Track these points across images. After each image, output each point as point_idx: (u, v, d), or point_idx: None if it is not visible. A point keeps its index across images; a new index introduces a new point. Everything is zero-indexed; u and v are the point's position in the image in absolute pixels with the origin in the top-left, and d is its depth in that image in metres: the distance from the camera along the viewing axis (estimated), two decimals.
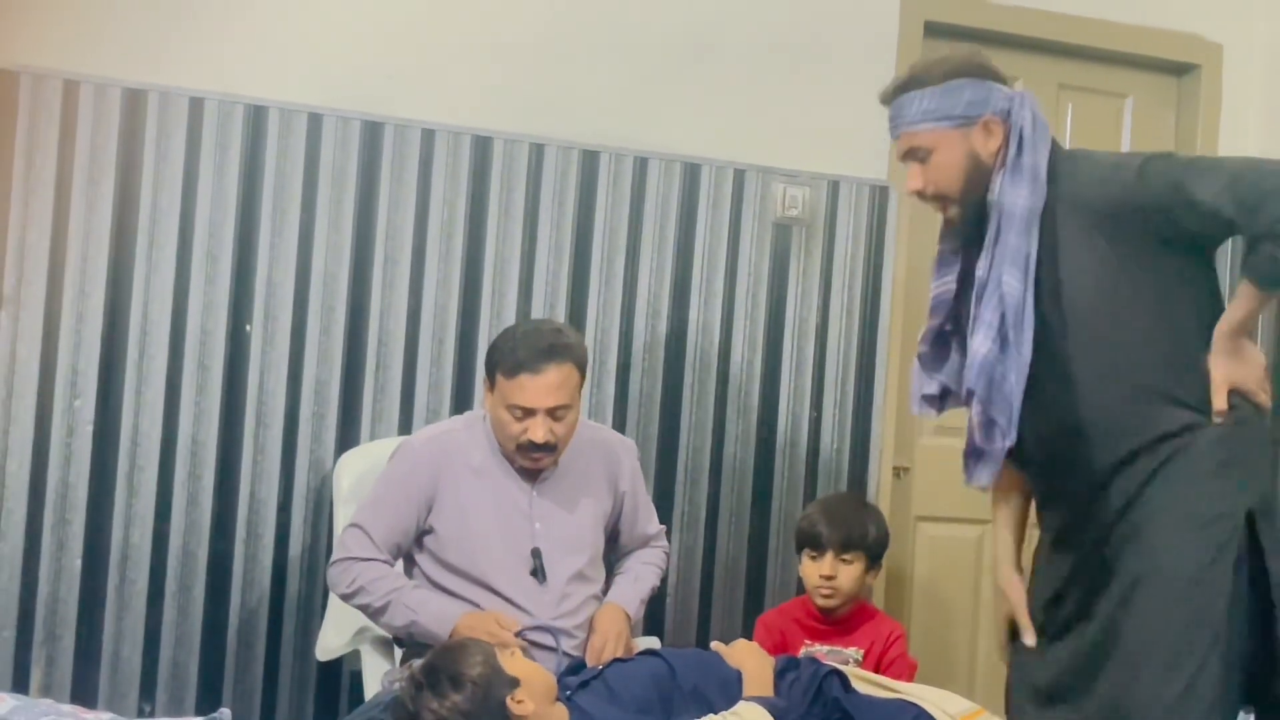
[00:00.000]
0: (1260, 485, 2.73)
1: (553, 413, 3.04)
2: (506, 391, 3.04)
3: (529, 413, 3.03)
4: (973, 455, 2.84)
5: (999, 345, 2.71)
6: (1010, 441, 2.75)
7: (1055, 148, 2.81)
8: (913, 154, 2.80)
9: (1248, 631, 2.67)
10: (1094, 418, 2.74)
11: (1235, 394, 2.68)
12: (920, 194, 2.84)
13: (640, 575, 3.29)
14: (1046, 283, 2.74)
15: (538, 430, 3.03)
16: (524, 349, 3.03)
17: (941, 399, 2.96)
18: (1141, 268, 2.72)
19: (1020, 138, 2.74)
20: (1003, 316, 2.70)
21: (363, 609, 3.09)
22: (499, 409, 3.07)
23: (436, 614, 3.01)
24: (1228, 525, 2.65)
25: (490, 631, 2.90)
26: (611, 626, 3.09)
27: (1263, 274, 2.61)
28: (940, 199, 2.83)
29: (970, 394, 2.75)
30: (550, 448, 3.07)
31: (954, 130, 2.76)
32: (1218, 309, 2.76)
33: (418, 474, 3.13)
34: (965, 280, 2.85)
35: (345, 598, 3.11)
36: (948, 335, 2.92)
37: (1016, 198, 2.72)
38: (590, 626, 3.11)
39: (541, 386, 3.02)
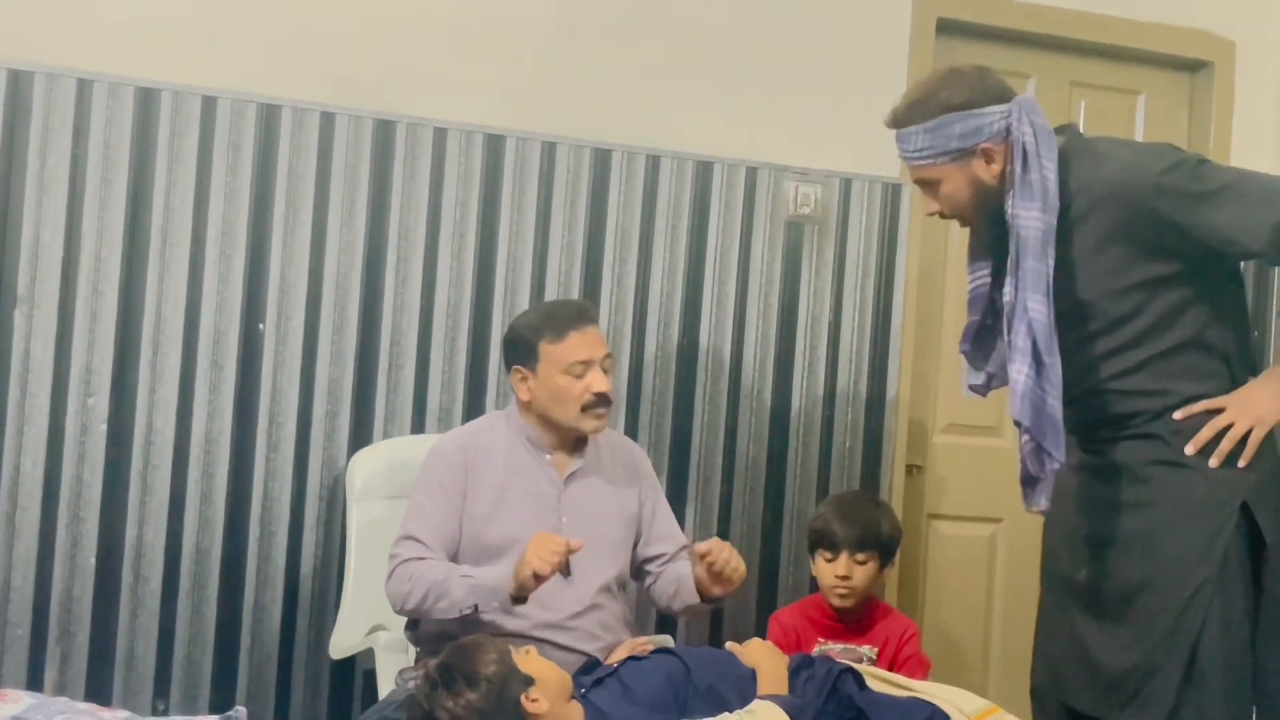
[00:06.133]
0: (1257, 476, 2.79)
1: (603, 363, 3.14)
2: (560, 354, 3.11)
3: (588, 365, 3.11)
4: (1028, 483, 2.87)
5: (1035, 370, 2.74)
6: (1060, 465, 2.78)
7: (1071, 139, 2.82)
8: (922, 183, 2.88)
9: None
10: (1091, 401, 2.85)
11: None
12: (940, 215, 2.91)
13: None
14: (1059, 285, 2.77)
15: (600, 380, 3.12)
16: (561, 312, 3.20)
17: (987, 385, 3.03)
18: (1150, 277, 2.75)
19: (1024, 153, 2.75)
20: (1034, 342, 2.73)
21: (422, 601, 2.98)
22: (554, 377, 3.11)
23: (491, 573, 2.96)
24: (1222, 513, 2.74)
25: (553, 550, 2.82)
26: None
27: None
28: (958, 218, 2.91)
29: (1019, 424, 2.77)
30: (609, 401, 3.16)
31: (952, 163, 2.81)
32: (1233, 320, 2.80)
33: (452, 470, 3.14)
34: (996, 273, 2.89)
35: (408, 599, 3.00)
36: (989, 327, 2.96)
37: (1029, 220, 2.75)
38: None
39: (592, 338, 3.16)
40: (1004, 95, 2.80)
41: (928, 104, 2.80)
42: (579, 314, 3.18)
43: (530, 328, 3.18)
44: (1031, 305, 2.74)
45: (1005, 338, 2.80)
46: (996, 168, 2.80)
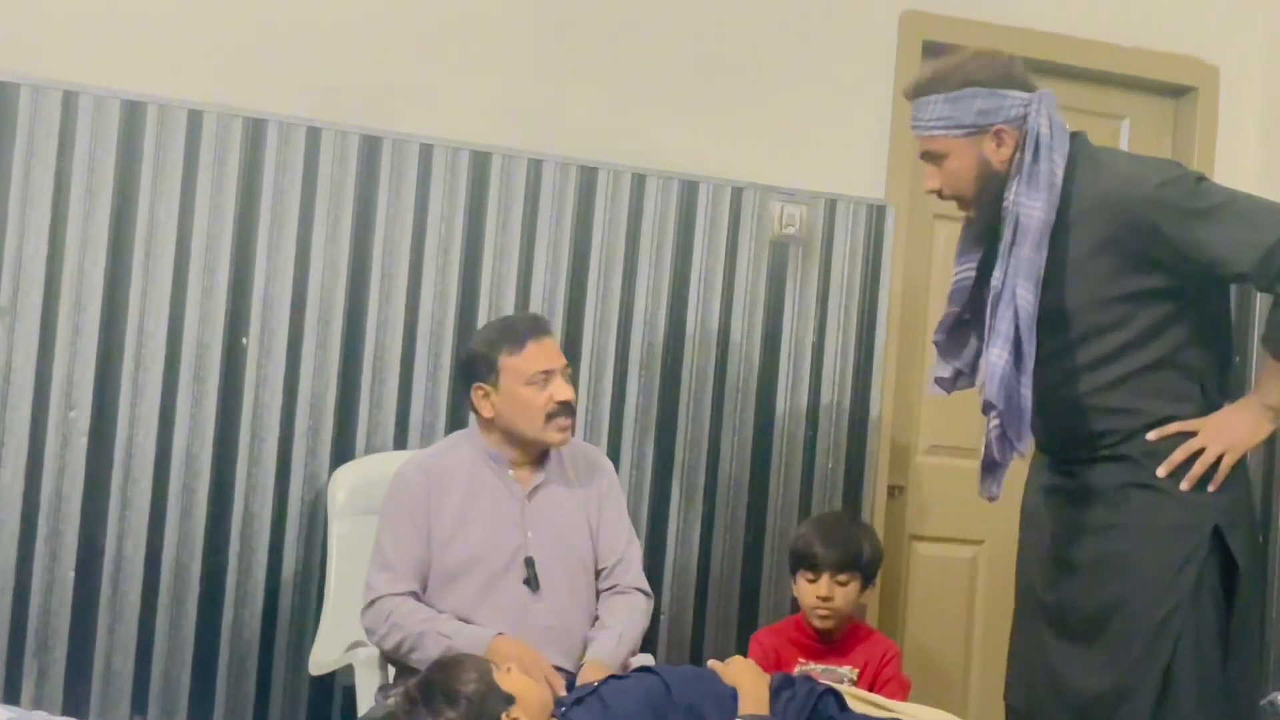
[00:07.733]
0: (1229, 499, 2.80)
1: (563, 372, 3.13)
2: (521, 366, 3.09)
3: (550, 374, 3.10)
4: (989, 468, 2.87)
5: (1014, 357, 2.75)
6: (1020, 454, 2.80)
7: (1079, 145, 2.84)
8: (928, 156, 2.89)
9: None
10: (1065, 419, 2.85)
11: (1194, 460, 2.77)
12: (938, 193, 2.91)
13: (624, 633, 3.14)
14: (1045, 289, 2.78)
15: (563, 389, 3.10)
16: (517, 325, 3.19)
17: (953, 381, 3.03)
18: (1136, 289, 2.76)
19: (1036, 143, 2.78)
20: (1017, 328, 2.74)
21: (397, 647, 3.02)
22: (517, 390, 3.09)
23: (471, 637, 2.95)
24: (1195, 537, 2.75)
25: (524, 662, 2.79)
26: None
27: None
28: (956, 199, 2.91)
29: (989, 406, 2.78)
30: (574, 409, 3.15)
31: (965, 138, 2.82)
32: (1213, 343, 2.82)
33: (414, 495, 3.13)
34: (984, 269, 2.89)
35: (382, 640, 3.04)
36: (966, 323, 2.97)
37: (1032, 209, 2.76)
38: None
39: (549, 348, 3.15)
40: (1027, 85, 2.84)
41: (952, 75, 2.83)
42: (534, 325, 3.17)
43: (487, 343, 3.16)
44: (1020, 293, 2.75)
45: (987, 321, 2.80)
46: (1006, 152, 2.81)
